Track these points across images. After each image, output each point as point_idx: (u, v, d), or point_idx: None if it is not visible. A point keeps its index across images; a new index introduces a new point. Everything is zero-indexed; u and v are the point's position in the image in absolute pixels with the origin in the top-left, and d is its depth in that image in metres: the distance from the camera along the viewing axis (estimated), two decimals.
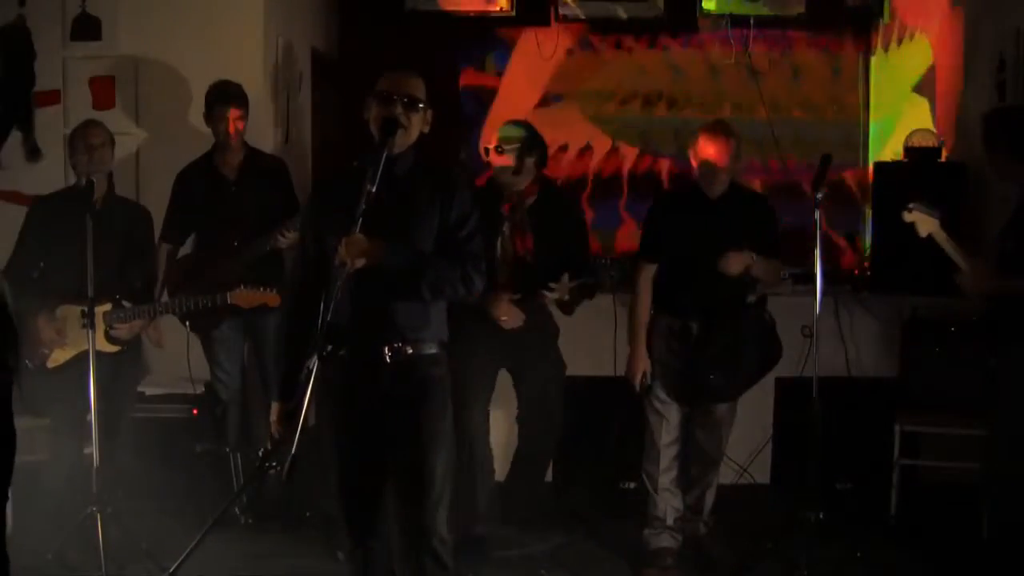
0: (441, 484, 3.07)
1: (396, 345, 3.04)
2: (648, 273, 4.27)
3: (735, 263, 4.09)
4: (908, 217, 3.94)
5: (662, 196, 4.42)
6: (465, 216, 3.11)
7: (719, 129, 4.15)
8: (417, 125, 3.10)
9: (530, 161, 4.35)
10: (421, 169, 3.15)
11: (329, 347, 2.90)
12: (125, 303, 4.37)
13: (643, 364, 4.26)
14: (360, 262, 2.90)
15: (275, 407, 3.17)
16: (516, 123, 4.47)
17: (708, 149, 4.10)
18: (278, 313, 4.65)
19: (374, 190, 2.90)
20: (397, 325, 3.04)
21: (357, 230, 2.88)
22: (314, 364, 2.82)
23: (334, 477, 3.15)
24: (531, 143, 4.36)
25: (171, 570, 3.44)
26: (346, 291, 2.90)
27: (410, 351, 3.06)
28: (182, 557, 3.57)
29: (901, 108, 6.46)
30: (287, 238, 4.56)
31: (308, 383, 2.79)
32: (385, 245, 2.95)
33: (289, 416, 3.02)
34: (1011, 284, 3.74)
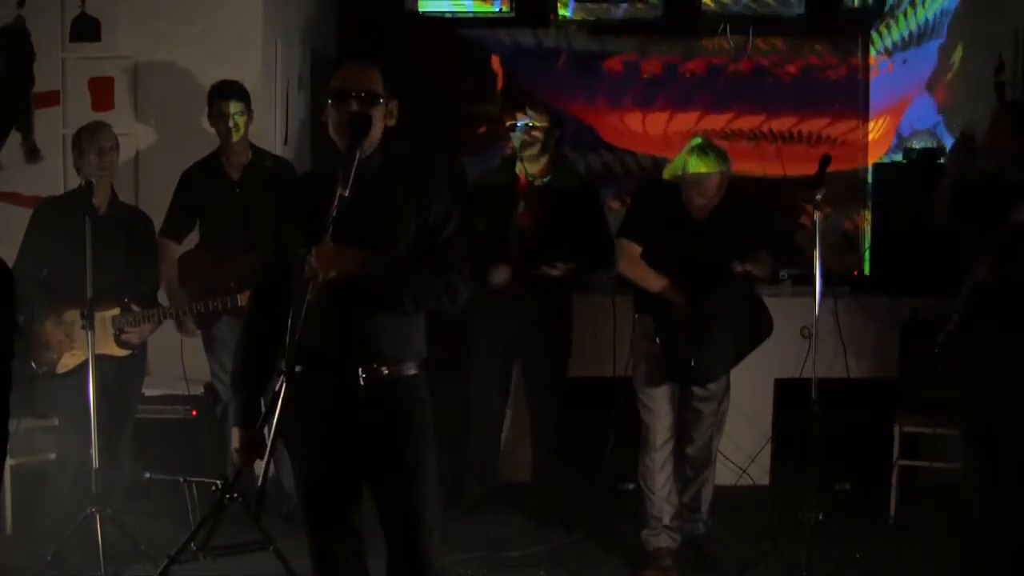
0: (432, 515, 2.82)
1: (372, 366, 2.76)
2: (636, 253, 4.21)
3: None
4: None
5: (650, 184, 4.39)
6: (444, 217, 2.82)
7: (711, 158, 4.06)
8: (379, 122, 2.81)
9: (553, 142, 4.76)
10: (393, 168, 2.87)
11: (297, 368, 2.60)
12: (134, 307, 4.37)
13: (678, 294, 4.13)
14: (332, 274, 2.61)
15: (236, 433, 2.85)
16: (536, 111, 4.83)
17: (700, 182, 4.06)
18: None
19: (346, 194, 2.64)
20: (373, 343, 2.76)
21: (328, 238, 2.61)
22: (281, 386, 2.54)
23: (301, 511, 2.90)
24: (558, 123, 4.82)
25: None
26: (316, 306, 2.61)
27: (387, 372, 2.77)
28: None
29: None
30: None
31: (275, 408, 2.52)
32: (359, 255, 2.68)
33: (253, 443, 2.77)
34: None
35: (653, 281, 4.18)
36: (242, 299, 4.36)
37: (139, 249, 4.48)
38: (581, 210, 4.79)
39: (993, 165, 4.22)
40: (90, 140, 4.34)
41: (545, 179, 4.77)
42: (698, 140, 4.17)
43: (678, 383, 4.22)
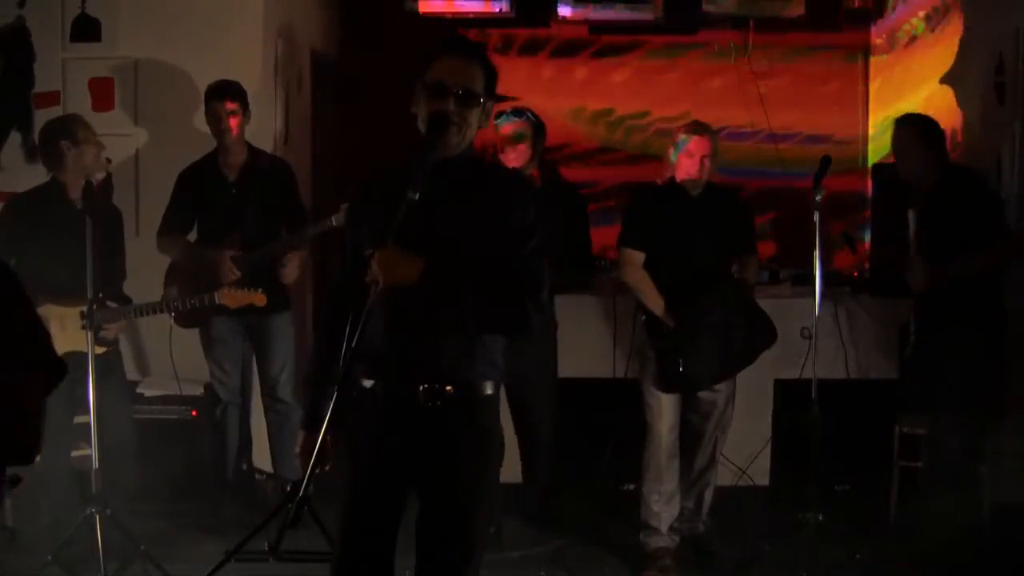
0: (473, 555, 2.59)
1: (434, 385, 2.53)
2: (640, 260, 4.26)
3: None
4: None
5: (644, 189, 4.45)
6: (529, 231, 2.56)
7: (700, 127, 4.25)
8: (474, 122, 2.58)
9: (540, 148, 4.58)
10: (481, 174, 2.66)
11: (354, 378, 2.51)
12: (110, 303, 4.34)
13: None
14: (391, 280, 2.40)
15: (300, 437, 2.73)
16: (521, 112, 4.60)
17: (690, 145, 4.19)
18: (278, 313, 4.69)
19: (416, 197, 2.40)
20: (435, 359, 2.52)
21: (392, 242, 2.40)
22: (334, 395, 2.37)
23: (336, 528, 2.70)
24: (541, 130, 4.60)
25: None
26: (379, 314, 2.44)
27: (449, 389, 2.54)
28: None
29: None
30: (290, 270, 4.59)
31: (325, 418, 2.36)
32: (422, 263, 2.43)
33: (312, 450, 2.48)
34: (949, 270, 4.14)
35: (651, 299, 4.21)
36: (220, 297, 4.36)
37: (110, 243, 4.42)
38: (566, 214, 4.67)
39: (906, 180, 4.38)
40: (88, 131, 4.33)
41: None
42: (689, 122, 4.35)
43: (667, 391, 4.23)
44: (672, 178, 4.28)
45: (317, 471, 2.42)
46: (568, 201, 4.81)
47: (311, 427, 2.67)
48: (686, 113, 6.06)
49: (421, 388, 2.53)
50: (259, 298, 4.41)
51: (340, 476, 2.66)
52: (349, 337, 2.37)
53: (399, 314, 2.50)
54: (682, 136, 4.23)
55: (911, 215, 4.36)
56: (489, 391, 2.60)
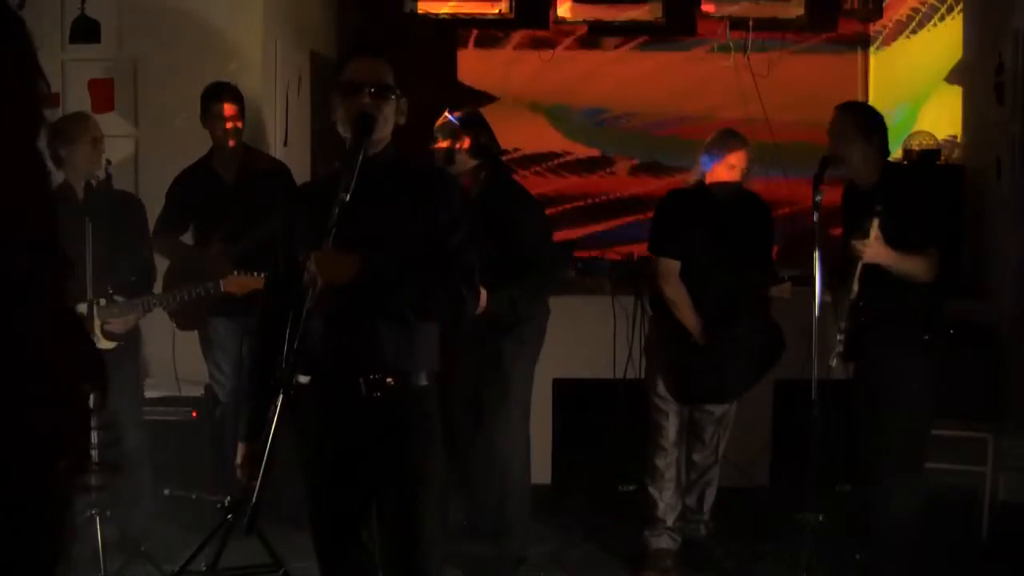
0: (431, 538, 2.70)
1: (374, 376, 2.63)
2: (677, 270, 4.19)
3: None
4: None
5: (674, 193, 4.40)
6: (455, 221, 2.68)
7: (737, 136, 4.21)
8: (391, 117, 2.71)
9: (462, 150, 4.10)
10: (401, 168, 2.76)
11: (303, 379, 2.58)
12: (117, 298, 4.31)
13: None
14: (330, 280, 2.50)
15: (241, 448, 2.77)
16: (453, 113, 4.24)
17: (731, 158, 4.15)
18: None
19: (347, 198, 2.53)
20: (376, 352, 2.63)
21: (329, 244, 2.50)
22: (279, 399, 2.43)
23: (310, 529, 2.81)
24: (461, 133, 4.12)
25: None
26: (317, 313, 2.52)
27: (390, 382, 2.64)
28: None
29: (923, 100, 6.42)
30: None
31: (272, 421, 2.40)
32: (360, 260, 2.55)
33: (256, 459, 2.54)
34: (914, 259, 3.78)
35: (686, 316, 4.16)
36: (225, 284, 4.30)
37: (125, 237, 4.35)
38: (512, 227, 4.09)
39: (846, 173, 3.99)
40: (84, 129, 4.28)
41: (473, 190, 4.11)
42: (725, 129, 4.27)
43: (680, 401, 4.22)
44: (701, 182, 4.25)
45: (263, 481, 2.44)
46: (513, 203, 4.20)
47: (251, 437, 2.72)
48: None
49: (361, 380, 2.63)
50: (263, 282, 4.35)
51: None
52: (290, 340, 2.45)
53: (338, 311, 2.59)
54: (720, 148, 4.18)
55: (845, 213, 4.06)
56: (425, 382, 2.70)
